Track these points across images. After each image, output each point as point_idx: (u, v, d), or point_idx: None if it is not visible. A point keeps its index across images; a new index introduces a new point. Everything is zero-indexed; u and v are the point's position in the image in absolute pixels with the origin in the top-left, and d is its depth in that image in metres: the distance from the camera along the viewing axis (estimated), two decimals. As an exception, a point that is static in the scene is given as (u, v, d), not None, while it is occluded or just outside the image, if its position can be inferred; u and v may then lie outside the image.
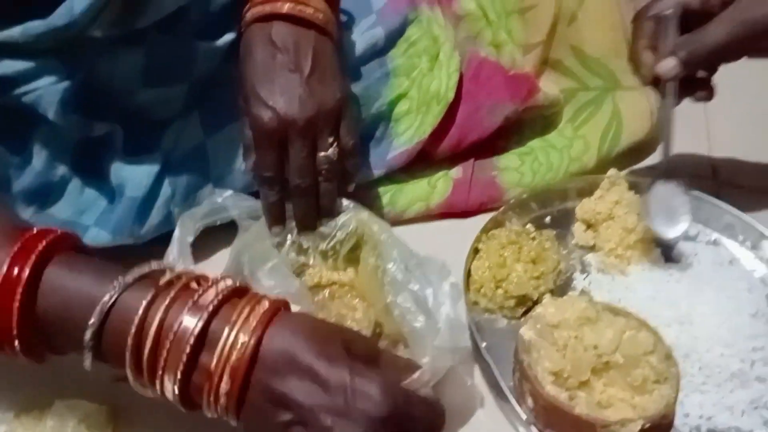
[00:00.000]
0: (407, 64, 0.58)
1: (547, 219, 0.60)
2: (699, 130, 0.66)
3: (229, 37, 0.52)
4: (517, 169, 0.61)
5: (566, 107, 0.62)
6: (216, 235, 0.50)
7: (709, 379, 0.48)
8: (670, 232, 0.54)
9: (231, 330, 0.34)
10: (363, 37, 0.56)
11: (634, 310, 0.49)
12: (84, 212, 0.51)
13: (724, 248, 0.58)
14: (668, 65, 0.47)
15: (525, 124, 0.62)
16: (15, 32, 0.43)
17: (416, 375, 0.38)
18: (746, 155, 0.67)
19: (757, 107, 0.69)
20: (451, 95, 0.57)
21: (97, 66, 0.48)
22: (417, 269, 0.46)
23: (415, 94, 0.58)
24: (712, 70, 0.52)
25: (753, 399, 0.48)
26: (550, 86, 0.61)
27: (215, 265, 0.52)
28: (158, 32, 0.49)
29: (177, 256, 0.43)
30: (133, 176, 0.52)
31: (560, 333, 0.45)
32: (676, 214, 0.53)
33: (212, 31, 0.52)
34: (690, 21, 0.48)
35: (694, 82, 0.51)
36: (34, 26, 0.43)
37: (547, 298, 0.49)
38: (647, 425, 0.41)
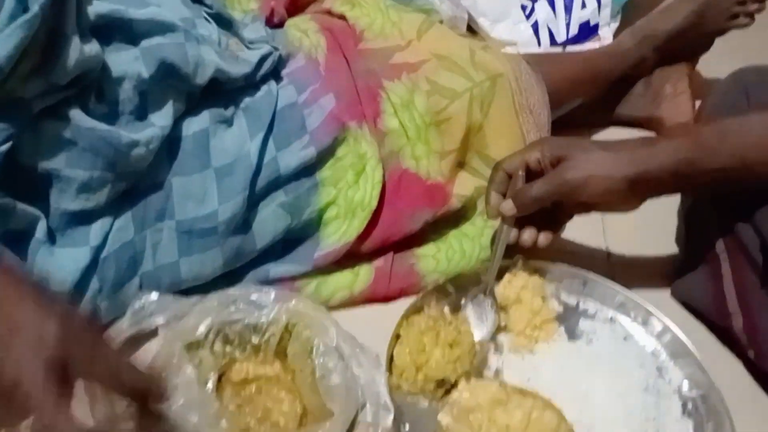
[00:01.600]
0: (334, 176, 0.62)
1: (463, 301, 0.64)
2: (594, 216, 0.73)
3: (149, 132, 0.54)
4: (433, 256, 0.66)
5: (477, 201, 0.69)
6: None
7: (610, 451, 0.53)
8: (479, 335, 0.61)
9: None
10: (297, 156, 0.60)
11: (541, 387, 0.53)
12: None
13: (619, 325, 0.64)
14: (506, 206, 0.59)
15: (441, 218, 0.67)
16: None
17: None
18: (637, 238, 0.75)
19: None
20: (374, 204, 0.62)
21: (22, 140, 0.49)
22: (351, 350, 0.49)
23: (342, 202, 0.62)
24: (562, 216, 0.62)
25: (650, 467, 0.53)
26: (465, 185, 0.68)
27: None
28: (80, 109, 0.51)
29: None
30: (60, 269, 0.52)
31: (475, 416, 0.49)
32: (486, 321, 0.61)
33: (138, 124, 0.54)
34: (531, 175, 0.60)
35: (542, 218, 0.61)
36: None
37: (462, 383, 0.52)
38: (553, 502, 0.44)
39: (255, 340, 0.52)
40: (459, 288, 0.65)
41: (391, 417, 0.45)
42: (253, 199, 0.59)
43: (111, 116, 0.54)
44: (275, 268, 0.61)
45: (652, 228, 0.74)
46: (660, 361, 0.61)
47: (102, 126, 0.52)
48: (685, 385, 0.60)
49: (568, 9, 0.89)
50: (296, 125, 0.60)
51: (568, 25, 0.90)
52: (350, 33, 0.68)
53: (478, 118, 0.65)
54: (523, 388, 0.52)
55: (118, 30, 0.54)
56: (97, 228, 0.54)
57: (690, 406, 0.58)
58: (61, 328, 0.34)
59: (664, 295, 0.69)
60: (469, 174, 0.68)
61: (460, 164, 0.68)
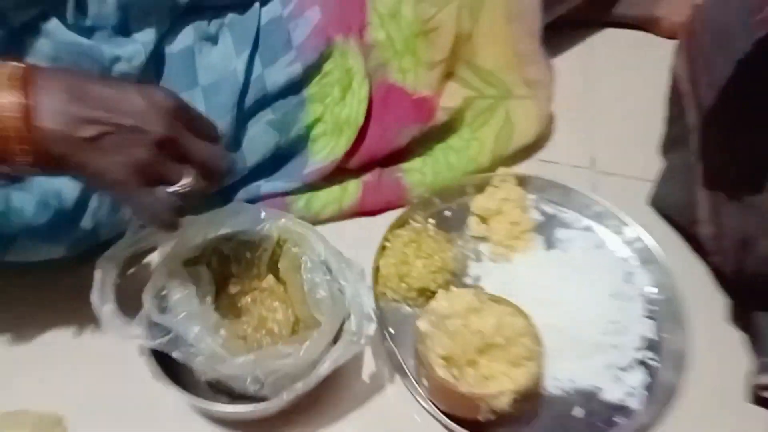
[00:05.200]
0: (321, 92, 0.63)
1: (448, 213, 0.68)
2: (583, 120, 0.74)
3: (131, 48, 0.54)
4: (419, 170, 0.68)
5: (466, 113, 0.69)
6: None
7: (575, 350, 0.58)
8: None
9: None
10: (284, 71, 0.60)
11: (517, 293, 0.58)
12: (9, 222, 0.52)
13: (594, 234, 0.68)
14: None
15: (428, 131, 0.68)
16: None
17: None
18: (623, 146, 0.76)
19: (637, 104, 0.78)
20: (361, 120, 0.63)
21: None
22: (338, 265, 0.52)
23: (329, 119, 0.63)
24: None
25: (609, 363, 0.58)
26: (453, 96, 0.68)
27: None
28: (61, 23, 0.51)
29: (98, 300, 0.46)
30: (61, 189, 0.53)
31: (451, 322, 0.53)
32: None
33: None
34: None
35: None
36: None
37: (440, 292, 0.56)
38: (517, 396, 0.50)
39: (249, 255, 0.55)
40: (444, 200, 0.68)
41: (373, 326, 0.49)
42: (242, 118, 0.60)
43: (92, 32, 0.54)
44: (266, 185, 0.64)
45: (641, 139, 0.74)
46: (630, 266, 0.65)
47: (83, 40, 0.52)
48: (651, 290, 0.64)
49: None
50: (282, 40, 0.60)
51: None
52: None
53: (467, 26, 0.64)
54: (496, 295, 0.57)
55: None
56: None
57: (654, 308, 0.63)
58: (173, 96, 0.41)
59: (644, 205, 0.71)
60: (458, 84, 0.68)
61: (448, 75, 0.68)
